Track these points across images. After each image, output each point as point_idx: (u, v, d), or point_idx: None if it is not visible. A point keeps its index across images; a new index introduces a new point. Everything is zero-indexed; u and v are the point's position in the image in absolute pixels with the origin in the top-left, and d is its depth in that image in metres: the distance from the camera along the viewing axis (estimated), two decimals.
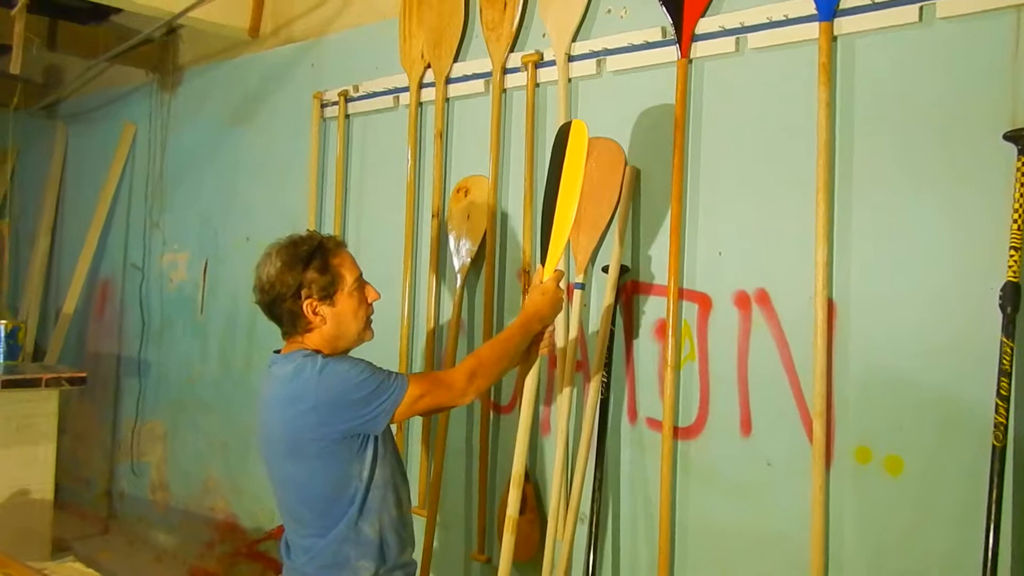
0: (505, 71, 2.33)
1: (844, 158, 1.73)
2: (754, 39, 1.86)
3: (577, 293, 2.09)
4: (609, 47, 2.09)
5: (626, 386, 2.07)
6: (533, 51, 2.26)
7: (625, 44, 2.06)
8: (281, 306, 1.59)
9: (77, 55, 3.78)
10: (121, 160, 3.93)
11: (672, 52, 1.98)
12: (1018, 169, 1.50)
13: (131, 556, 3.51)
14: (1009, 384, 1.49)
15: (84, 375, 3.23)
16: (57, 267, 4.38)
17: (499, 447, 2.34)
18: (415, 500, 2.38)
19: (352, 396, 1.54)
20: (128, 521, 3.80)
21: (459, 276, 2.41)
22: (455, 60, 2.47)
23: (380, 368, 1.59)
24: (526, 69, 2.26)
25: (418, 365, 2.56)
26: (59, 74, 4.39)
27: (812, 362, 1.72)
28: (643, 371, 2.04)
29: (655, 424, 2.00)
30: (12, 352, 3.40)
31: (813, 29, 1.75)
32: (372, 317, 1.68)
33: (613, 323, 2.05)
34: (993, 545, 1.48)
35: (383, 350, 2.36)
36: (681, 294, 1.95)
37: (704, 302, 1.93)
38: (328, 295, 1.59)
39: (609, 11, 2.13)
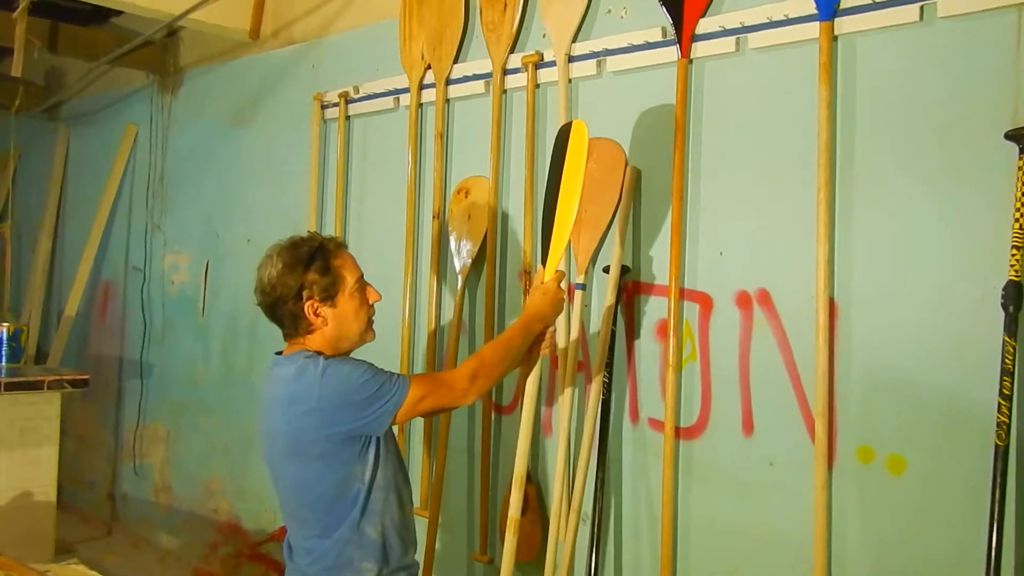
0: (505, 72, 2.33)
1: (845, 158, 1.73)
2: (754, 39, 1.86)
3: (578, 293, 2.09)
4: (609, 47, 2.09)
5: (627, 386, 2.07)
6: (533, 52, 2.26)
7: (625, 44, 2.06)
8: (283, 308, 1.60)
9: (78, 57, 3.79)
10: (122, 162, 3.94)
11: (672, 52, 1.98)
12: (1020, 168, 1.50)
13: (134, 558, 3.51)
14: (1012, 383, 1.49)
15: (86, 377, 3.24)
16: (59, 269, 4.38)
17: (501, 448, 2.34)
18: (417, 501, 2.38)
19: (354, 397, 1.54)
20: (131, 523, 3.81)
21: (460, 277, 2.41)
22: (455, 61, 2.47)
23: (382, 369, 1.59)
24: (526, 70, 2.26)
25: (419, 366, 2.56)
26: (60, 77, 4.39)
27: (814, 362, 1.72)
28: (644, 371, 2.04)
29: (657, 424, 2.00)
30: (15, 355, 3.41)
31: (813, 29, 1.75)
32: (373, 318, 1.68)
33: (614, 323, 2.05)
34: (996, 544, 1.48)
35: (384, 351, 2.37)
36: (682, 294, 1.95)
37: (705, 302, 1.93)
38: (329, 296, 1.60)
39: (609, 11, 2.13)
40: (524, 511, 1.93)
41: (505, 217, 2.36)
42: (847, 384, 1.72)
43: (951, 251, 1.60)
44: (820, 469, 1.70)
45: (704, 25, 1.92)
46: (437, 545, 2.40)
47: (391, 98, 2.67)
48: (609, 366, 2.05)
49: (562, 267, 1.86)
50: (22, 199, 4.62)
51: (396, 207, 2.62)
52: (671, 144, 1.95)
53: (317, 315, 1.59)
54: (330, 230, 2.82)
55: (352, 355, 1.66)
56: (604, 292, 2.05)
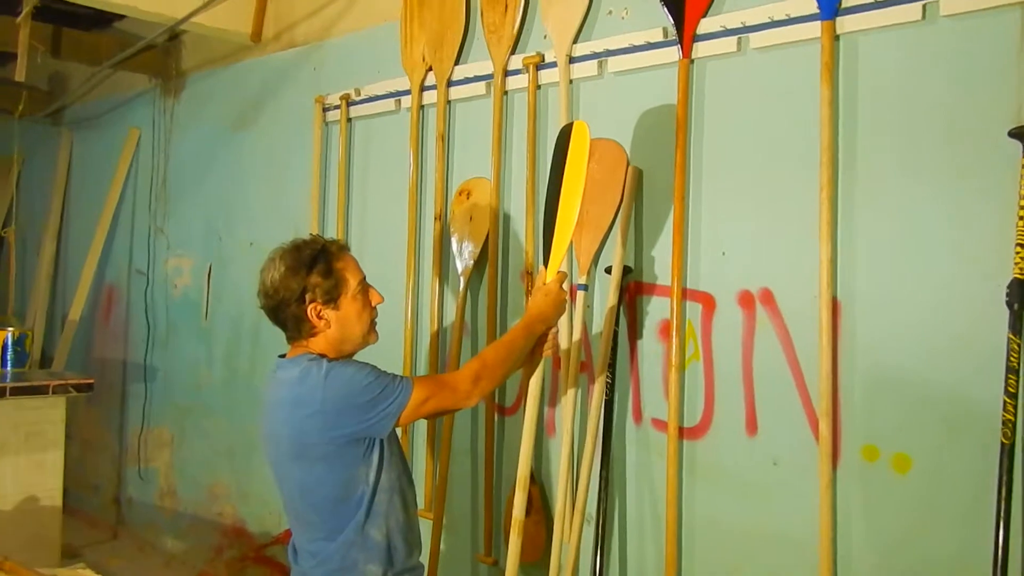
0: (506, 73, 2.33)
1: (847, 157, 1.73)
2: (756, 39, 1.86)
3: (580, 294, 2.09)
4: (610, 48, 2.09)
5: (630, 387, 2.06)
6: (534, 53, 2.26)
7: (626, 45, 2.06)
8: (286, 310, 1.60)
9: (81, 62, 3.80)
10: (125, 166, 3.95)
11: (674, 52, 1.98)
12: (1023, 165, 1.49)
13: (140, 562, 3.52)
14: (1017, 381, 1.48)
15: (91, 381, 3.24)
16: (63, 273, 4.40)
17: (504, 449, 2.34)
18: (421, 503, 2.38)
19: (357, 400, 1.54)
20: (136, 527, 3.82)
21: (462, 278, 2.41)
22: (456, 63, 2.47)
23: (385, 372, 1.59)
24: (527, 71, 2.26)
25: (422, 368, 2.56)
26: (63, 81, 4.41)
27: (817, 361, 1.72)
28: (647, 372, 2.03)
29: (660, 424, 2.00)
30: (19, 359, 3.41)
31: (815, 28, 1.75)
32: (376, 320, 1.68)
33: (617, 324, 2.05)
34: (1003, 543, 1.47)
35: (387, 353, 2.37)
36: (685, 294, 1.95)
37: (708, 302, 1.93)
38: (332, 299, 1.60)
39: (610, 12, 2.13)
40: (528, 512, 1.93)
41: (507, 218, 2.36)
42: (851, 383, 1.71)
43: (955, 249, 1.60)
44: (824, 468, 1.70)
45: (705, 25, 1.92)
46: (441, 547, 2.40)
47: (392, 100, 2.68)
48: (612, 366, 2.04)
49: (564, 268, 1.86)
50: (26, 203, 4.63)
51: (398, 209, 2.63)
52: (673, 144, 1.95)
53: (320, 318, 1.60)
54: (332, 232, 2.82)
55: (355, 357, 1.67)
56: (606, 293, 2.05)
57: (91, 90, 4.16)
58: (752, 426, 1.85)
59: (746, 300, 1.87)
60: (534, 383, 1.82)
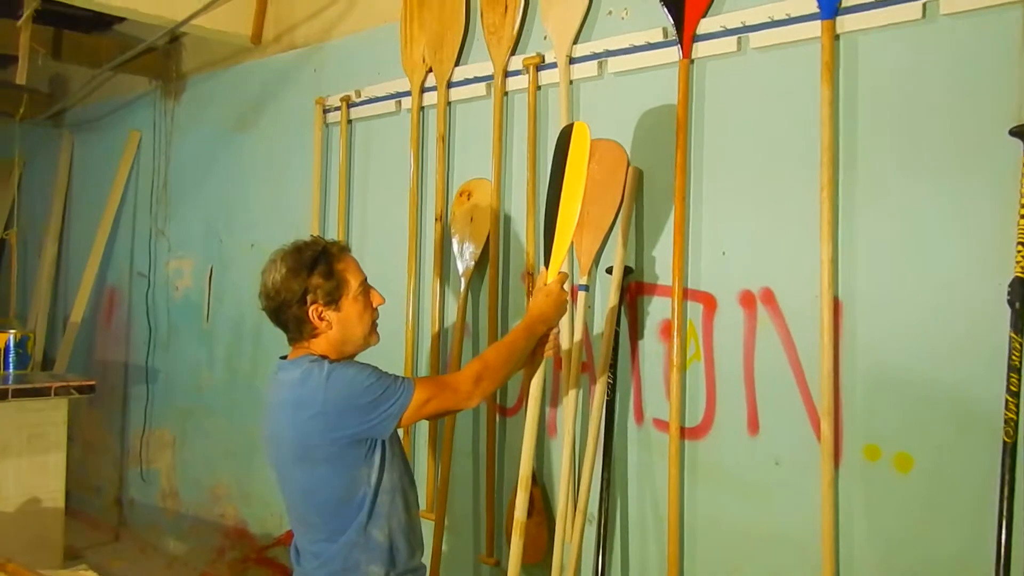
0: (507, 74, 2.33)
1: (848, 156, 1.73)
2: (756, 38, 1.86)
3: (581, 295, 2.09)
4: (610, 48, 2.09)
5: (632, 387, 2.06)
6: (534, 54, 2.26)
7: (626, 45, 2.06)
8: (287, 312, 1.60)
9: (82, 64, 3.80)
10: (126, 168, 3.95)
11: (674, 53, 1.98)
12: None
13: (142, 563, 3.52)
14: (1019, 380, 1.48)
15: (93, 383, 3.25)
16: (64, 276, 4.40)
17: (506, 450, 2.34)
18: (423, 504, 2.38)
19: (359, 401, 1.54)
20: (139, 528, 3.82)
21: (463, 279, 2.41)
22: (456, 64, 2.47)
23: (387, 373, 1.59)
24: (528, 72, 2.26)
25: (423, 369, 2.56)
26: (64, 84, 4.41)
27: (819, 360, 1.72)
28: (649, 372, 2.03)
29: (662, 425, 2.00)
30: (21, 361, 3.41)
31: (815, 27, 1.75)
32: (377, 321, 1.68)
33: (618, 324, 2.05)
34: (1006, 542, 1.47)
35: (388, 354, 2.37)
36: (686, 294, 1.95)
37: (709, 302, 1.93)
38: (333, 300, 1.60)
39: (610, 12, 2.13)
40: (530, 513, 1.94)
41: (507, 219, 2.36)
42: (852, 382, 1.71)
43: (956, 248, 1.60)
44: (826, 468, 1.70)
45: (705, 25, 1.92)
46: (443, 547, 2.40)
47: (393, 101, 2.68)
48: (613, 367, 2.04)
49: (565, 269, 1.86)
50: (27, 206, 4.64)
51: (398, 210, 2.63)
52: (673, 144, 1.95)
53: (321, 319, 1.60)
54: (333, 234, 2.82)
55: (356, 358, 1.67)
56: (607, 293, 2.05)
57: (92, 92, 4.16)
58: (754, 426, 1.85)
59: (747, 300, 1.87)
60: (535, 384, 1.82)
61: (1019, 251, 1.49)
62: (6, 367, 3.38)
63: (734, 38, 1.89)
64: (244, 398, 3.25)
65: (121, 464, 3.95)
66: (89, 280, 4.03)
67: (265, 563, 3.05)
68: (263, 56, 3.25)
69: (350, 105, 2.81)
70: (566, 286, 1.79)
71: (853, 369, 1.71)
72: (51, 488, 3.14)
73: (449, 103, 2.50)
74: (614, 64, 2.10)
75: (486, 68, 2.39)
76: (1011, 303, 1.50)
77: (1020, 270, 1.49)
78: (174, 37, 3.58)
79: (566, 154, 1.77)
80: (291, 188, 3.07)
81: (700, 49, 1.94)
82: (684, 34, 1.94)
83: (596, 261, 2.12)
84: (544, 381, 1.84)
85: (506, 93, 2.35)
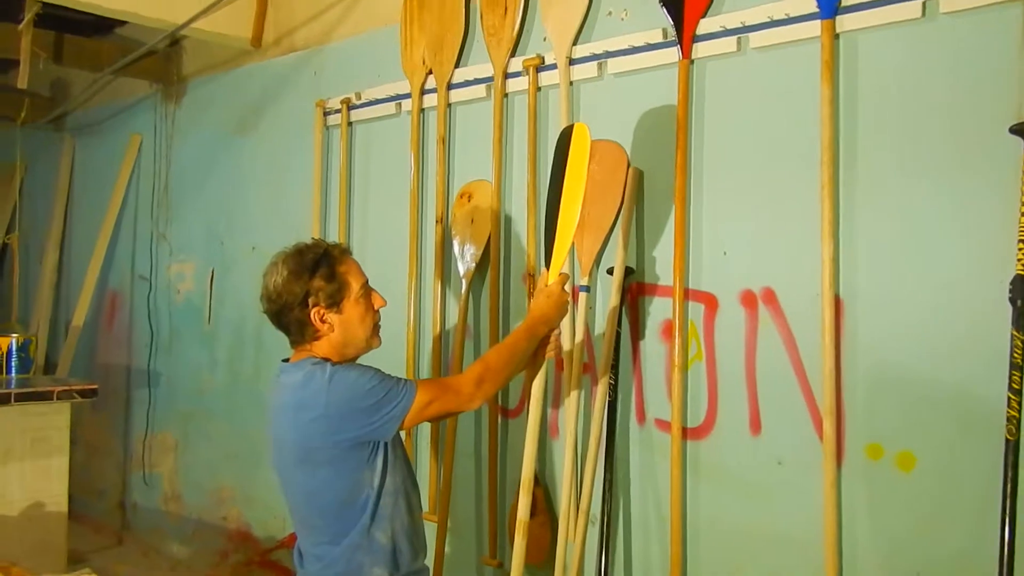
0: (507, 75, 2.34)
1: (848, 155, 1.73)
2: (755, 38, 1.86)
3: (582, 296, 2.09)
4: (610, 49, 2.09)
5: (634, 387, 2.06)
6: (534, 55, 2.26)
7: (626, 46, 2.06)
8: (289, 315, 1.60)
9: (83, 68, 3.81)
10: (127, 172, 3.96)
11: (673, 53, 1.98)
12: None
13: (146, 567, 3.52)
14: (1021, 378, 1.48)
15: (95, 387, 3.25)
16: (66, 279, 4.40)
17: (508, 451, 2.34)
18: (425, 506, 2.37)
19: (361, 403, 1.54)
20: (142, 532, 3.82)
21: (464, 281, 2.41)
22: (456, 65, 2.48)
23: (389, 375, 1.59)
24: (527, 73, 2.26)
25: (425, 371, 2.56)
26: (65, 88, 4.42)
27: (820, 359, 1.72)
28: (650, 372, 2.03)
29: (664, 425, 2.00)
30: (24, 365, 3.42)
31: (815, 27, 1.75)
32: (380, 323, 1.68)
33: (619, 325, 2.05)
34: (1009, 540, 1.47)
35: (389, 356, 2.36)
36: (687, 294, 1.95)
37: (710, 302, 1.93)
38: (335, 303, 1.60)
39: (610, 13, 2.13)
40: (533, 514, 1.94)
41: (508, 220, 2.36)
42: (854, 381, 1.71)
43: (957, 246, 1.60)
44: (829, 467, 1.70)
45: (705, 25, 1.92)
46: (446, 549, 2.40)
47: (393, 103, 2.68)
48: (615, 367, 2.04)
49: (566, 269, 1.86)
50: (29, 210, 4.65)
51: (399, 212, 2.63)
52: (673, 145, 1.95)
53: (323, 321, 1.60)
54: (334, 236, 2.83)
55: (358, 361, 1.67)
56: (608, 294, 2.05)
57: (93, 96, 4.17)
58: (756, 426, 1.85)
59: (748, 300, 1.87)
60: (537, 385, 1.82)
61: (1020, 248, 1.49)
62: (9, 371, 3.39)
63: (734, 38, 1.89)
64: (246, 401, 3.26)
65: (124, 468, 3.95)
66: (91, 284, 4.03)
67: (268, 566, 3.05)
68: (263, 59, 3.25)
69: (350, 107, 2.81)
70: (567, 287, 1.79)
71: (855, 368, 1.71)
72: (54, 492, 3.14)
73: (449, 105, 2.50)
74: (614, 65, 2.10)
75: (486, 70, 2.39)
76: (1012, 301, 1.50)
77: (1021, 268, 1.49)
78: (175, 40, 3.58)
79: (566, 155, 1.77)
80: (292, 191, 3.07)
81: (700, 49, 1.94)
82: (684, 34, 1.95)
83: (597, 262, 2.12)
84: (546, 382, 1.84)
85: (506, 94, 2.35)
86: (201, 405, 3.49)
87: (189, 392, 3.56)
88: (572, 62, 2.17)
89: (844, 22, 1.72)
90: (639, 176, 2.06)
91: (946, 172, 1.61)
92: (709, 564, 1.92)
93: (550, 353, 1.79)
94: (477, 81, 2.42)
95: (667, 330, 1.99)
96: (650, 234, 2.05)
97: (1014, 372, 1.48)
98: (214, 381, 3.43)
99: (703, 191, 1.95)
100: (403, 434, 1.73)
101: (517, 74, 2.31)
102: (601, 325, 2.10)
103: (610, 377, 2.04)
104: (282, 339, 1.67)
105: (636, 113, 2.06)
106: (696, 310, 1.95)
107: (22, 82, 3.25)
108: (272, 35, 3.22)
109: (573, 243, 1.90)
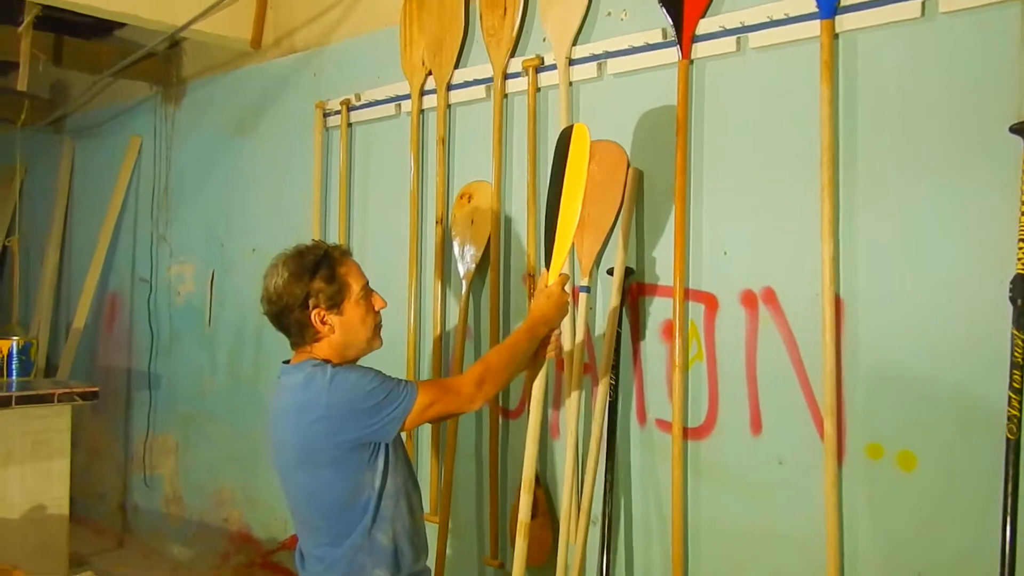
0: (506, 76, 2.34)
1: (848, 154, 1.73)
2: (755, 38, 1.86)
3: (582, 296, 2.09)
4: (610, 50, 2.09)
5: (634, 388, 2.06)
6: (534, 55, 2.26)
7: (626, 46, 2.06)
8: (289, 316, 1.60)
9: (82, 70, 3.81)
10: (127, 173, 3.96)
11: (673, 53, 1.98)
12: None
13: (147, 569, 3.52)
14: (1022, 377, 1.48)
15: (96, 390, 3.25)
16: (66, 282, 4.40)
17: (509, 452, 2.34)
18: (427, 507, 2.37)
19: (362, 405, 1.54)
20: (143, 534, 3.82)
21: (464, 282, 2.41)
22: (456, 66, 2.48)
23: (389, 376, 1.59)
24: (527, 74, 2.26)
25: (425, 372, 2.56)
26: (65, 90, 4.42)
27: (821, 359, 1.72)
28: (651, 372, 2.04)
29: (664, 425, 2.00)
30: (25, 368, 3.42)
31: (814, 27, 1.75)
32: (381, 325, 1.68)
33: (619, 325, 2.05)
34: (1010, 539, 1.47)
35: (390, 358, 2.36)
36: (687, 295, 1.95)
37: (710, 302, 1.93)
38: (335, 304, 1.60)
39: (609, 14, 2.13)
40: (534, 514, 1.93)
41: (508, 221, 2.36)
42: (855, 381, 1.71)
43: (957, 246, 1.60)
44: (829, 467, 1.70)
45: (704, 25, 1.92)
46: (448, 550, 2.40)
47: (393, 105, 2.68)
48: (615, 368, 2.04)
49: (566, 270, 1.86)
50: (28, 212, 4.65)
51: (399, 213, 2.63)
52: (673, 145, 1.95)
53: (324, 323, 1.60)
54: (334, 238, 2.83)
55: (359, 362, 1.67)
56: (608, 294, 2.05)
57: (92, 98, 4.17)
58: (756, 425, 1.85)
59: (748, 299, 1.87)
60: (538, 386, 1.82)
61: (1020, 248, 1.49)
62: (9, 374, 3.39)
63: (733, 38, 1.89)
64: (247, 403, 3.26)
65: (125, 470, 3.95)
66: (91, 286, 4.03)
67: (270, 568, 3.05)
68: (263, 60, 3.25)
69: (350, 109, 2.81)
70: (567, 287, 1.79)
71: (855, 367, 1.71)
72: (55, 495, 3.14)
73: (449, 106, 2.50)
74: (613, 65, 2.10)
75: (486, 70, 2.39)
76: (1013, 300, 1.50)
77: (1021, 267, 1.49)
78: (174, 42, 3.58)
79: (566, 156, 1.77)
80: (292, 192, 3.07)
81: (699, 49, 1.94)
82: (683, 35, 1.95)
83: (597, 262, 2.12)
84: (546, 383, 1.84)
85: (506, 95, 2.35)
86: (202, 407, 3.49)
87: (190, 394, 3.56)
88: (572, 62, 2.17)
89: (843, 22, 1.72)
90: (639, 176, 2.06)
91: (946, 172, 1.61)
92: (710, 564, 1.92)
93: (550, 354, 1.79)
94: (477, 82, 2.42)
95: (667, 330, 2.00)
96: (650, 234, 2.05)
97: (1015, 371, 1.48)
98: (215, 383, 3.43)
99: (703, 191, 1.95)
100: (404, 435, 1.73)
101: (517, 75, 2.31)
102: (601, 325, 2.10)
103: (611, 377, 2.04)
104: (283, 341, 1.67)
105: (636, 113, 2.07)
106: (696, 310, 1.95)
107: (22, 84, 3.25)
108: (272, 36, 3.22)
109: (573, 243, 1.90)
